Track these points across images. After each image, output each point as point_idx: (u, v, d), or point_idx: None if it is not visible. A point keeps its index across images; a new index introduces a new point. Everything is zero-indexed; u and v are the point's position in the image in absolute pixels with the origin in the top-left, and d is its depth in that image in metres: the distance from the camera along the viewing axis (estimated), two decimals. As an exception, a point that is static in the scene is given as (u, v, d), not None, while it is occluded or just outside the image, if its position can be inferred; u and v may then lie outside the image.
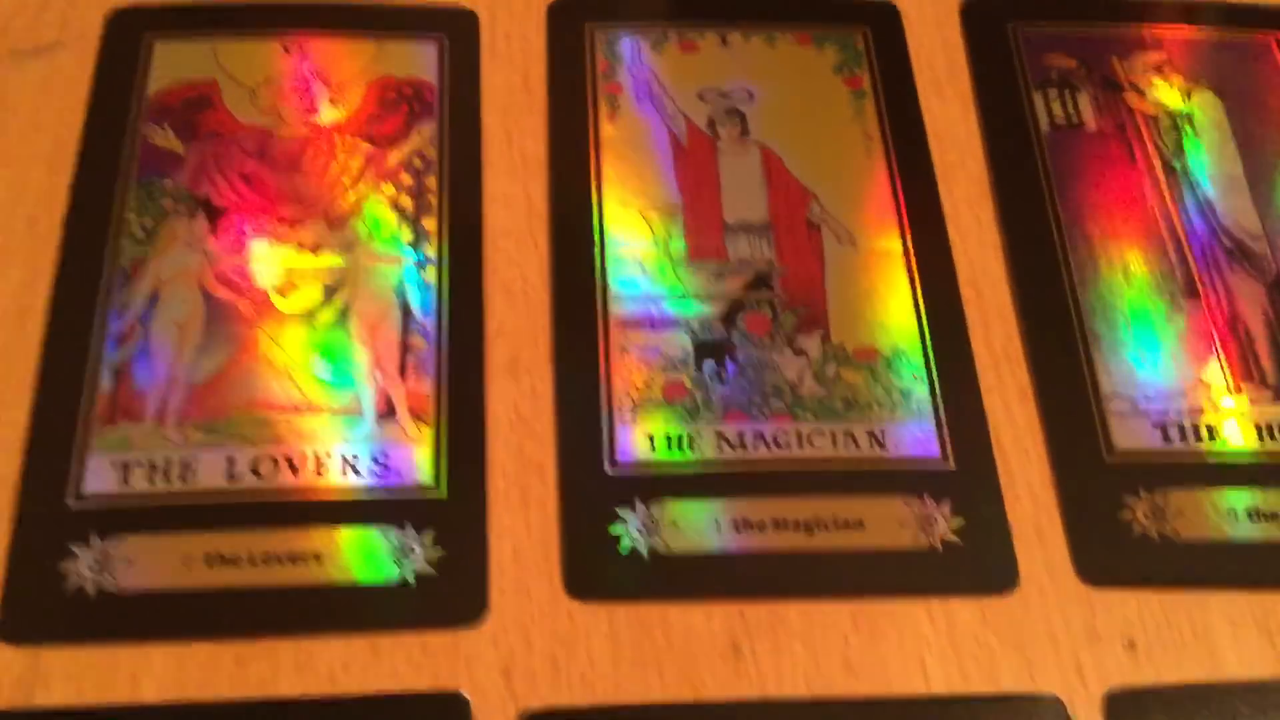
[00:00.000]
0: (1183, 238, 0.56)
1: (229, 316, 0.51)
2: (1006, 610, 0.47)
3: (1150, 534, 0.48)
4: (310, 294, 0.52)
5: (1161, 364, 0.52)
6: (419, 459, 0.48)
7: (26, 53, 0.58)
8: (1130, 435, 0.51)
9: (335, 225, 0.54)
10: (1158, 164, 0.58)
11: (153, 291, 0.51)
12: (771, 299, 0.53)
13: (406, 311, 0.52)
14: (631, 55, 0.60)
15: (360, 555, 0.46)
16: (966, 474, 0.50)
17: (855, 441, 0.50)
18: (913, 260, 0.55)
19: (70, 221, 0.53)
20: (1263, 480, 0.50)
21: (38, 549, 0.46)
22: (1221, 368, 0.53)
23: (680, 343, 0.52)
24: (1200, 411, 0.51)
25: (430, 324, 0.51)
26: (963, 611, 0.47)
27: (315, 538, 0.47)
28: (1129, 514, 0.49)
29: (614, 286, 0.53)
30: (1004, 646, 0.46)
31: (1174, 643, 0.47)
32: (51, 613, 0.45)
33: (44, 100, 0.56)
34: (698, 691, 0.45)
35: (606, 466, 0.49)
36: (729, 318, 0.53)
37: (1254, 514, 0.49)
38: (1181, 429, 0.51)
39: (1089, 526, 0.49)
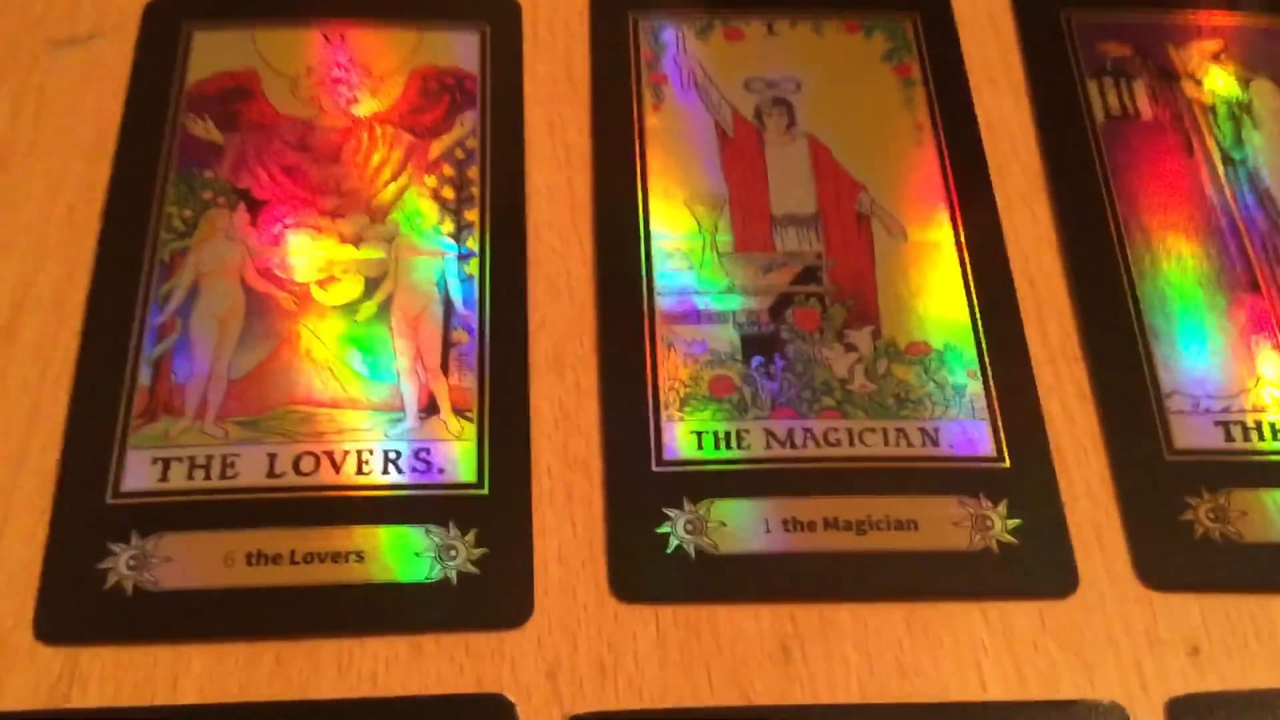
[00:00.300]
0: (1243, 230, 0.54)
1: (269, 310, 0.50)
2: (1065, 614, 0.46)
3: (1213, 535, 0.47)
4: (351, 287, 0.51)
5: (1222, 360, 0.51)
6: (461, 456, 0.48)
7: (64, 43, 0.57)
8: (1191, 433, 0.49)
9: (376, 217, 0.53)
10: (1216, 155, 0.56)
11: (192, 284, 0.51)
12: (820, 293, 0.52)
13: (448, 305, 0.51)
14: (676, 44, 0.58)
15: (402, 554, 0.45)
16: (1023, 473, 0.48)
17: (907, 439, 0.49)
18: (965, 253, 0.53)
19: (109, 213, 0.53)
20: (1329, 480, 0.49)
21: (75, 547, 0.45)
22: (1284, 364, 0.51)
23: (727, 337, 0.51)
24: (1263, 409, 0.50)
25: (472, 318, 0.51)
26: (1020, 615, 0.46)
27: (357, 536, 0.46)
28: (1191, 515, 0.47)
29: (659, 280, 0.52)
30: (1063, 651, 0.45)
31: (1238, 648, 0.45)
32: (89, 612, 0.44)
33: (82, 91, 0.56)
34: (746, 696, 0.44)
35: (653, 464, 0.48)
36: (777, 312, 0.52)
37: (1321, 515, 0.48)
38: (1244, 427, 0.50)
39: (1150, 528, 0.47)
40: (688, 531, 0.46)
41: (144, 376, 0.49)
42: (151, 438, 0.47)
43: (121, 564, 0.45)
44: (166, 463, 0.47)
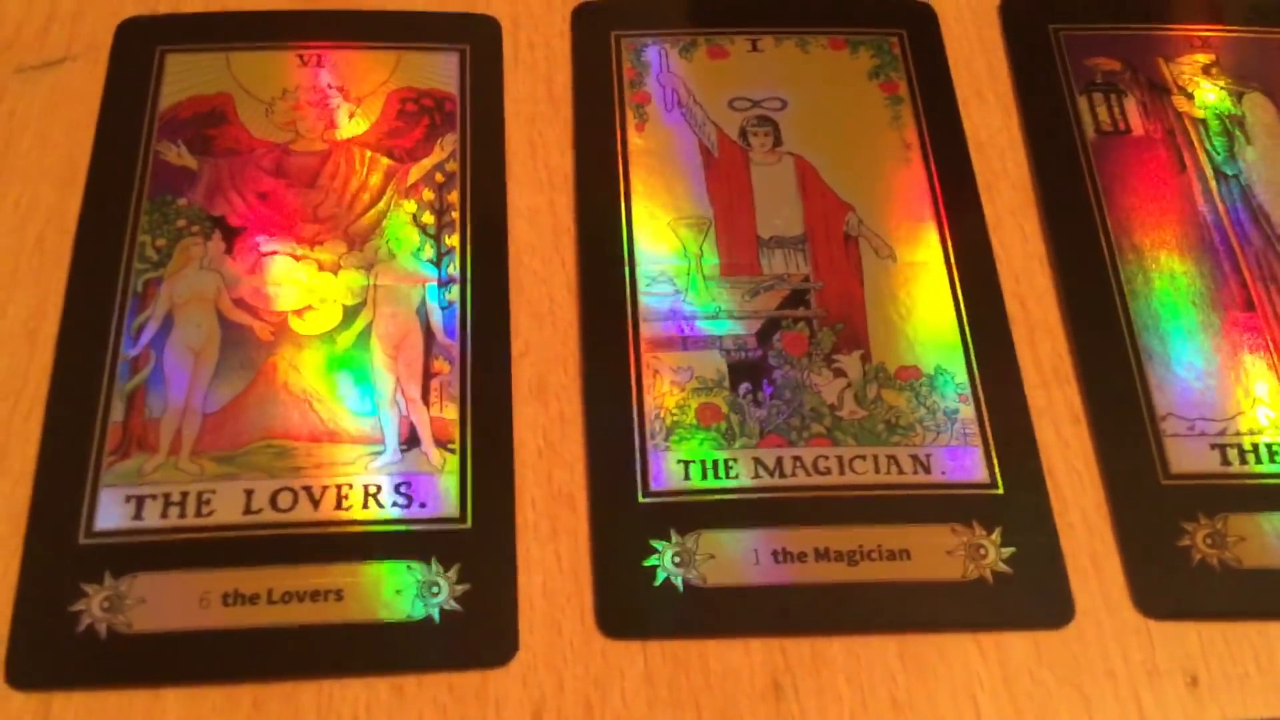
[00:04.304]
0: (1236, 247, 0.54)
1: (246, 341, 0.49)
2: (1061, 644, 0.45)
3: (1211, 562, 0.46)
4: (329, 316, 0.50)
5: (1218, 381, 0.50)
6: (444, 489, 0.47)
7: (35, 68, 0.56)
8: (1187, 457, 0.48)
9: (355, 244, 0.52)
10: (1209, 170, 0.56)
11: (166, 315, 0.50)
12: (809, 316, 0.51)
13: (429, 333, 0.50)
14: (659, 63, 0.58)
15: (384, 592, 0.45)
16: (1016, 499, 0.47)
17: (899, 466, 0.48)
18: (955, 274, 0.53)
19: (80, 242, 0.52)
20: (1329, 503, 0.48)
21: (47, 588, 0.44)
22: (1281, 384, 0.50)
23: (714, 363, 0.50)
24: (1259, 431, 0.49)
25: (454, 346, 0.50)
26: (1015, 646, 0.45)
27: (337, 574, 0.45)
28: (1188, 541, 0.47)
29: (645, 304, 0.51)
30: (1059, 683, 0.44)
31: (1238, 677, 0.45)
32: (61, 656, 0.43)
33: (53, 116, 0.55)
34: (738, 733, 0.43)
35: (639, 495, 0.47)
36: (765, 336, 0.51)
37: (1320, 540, 0.47)
38: (1240, 449, 0.49)
39: (1146, 555, 0.47)
40: (676, 564, 0.46)
41: (117, 411, 0.47)
42: (125, 475, 0.46)
43: (95, 606, 0.44)
44: (140, 500, 0.46)
